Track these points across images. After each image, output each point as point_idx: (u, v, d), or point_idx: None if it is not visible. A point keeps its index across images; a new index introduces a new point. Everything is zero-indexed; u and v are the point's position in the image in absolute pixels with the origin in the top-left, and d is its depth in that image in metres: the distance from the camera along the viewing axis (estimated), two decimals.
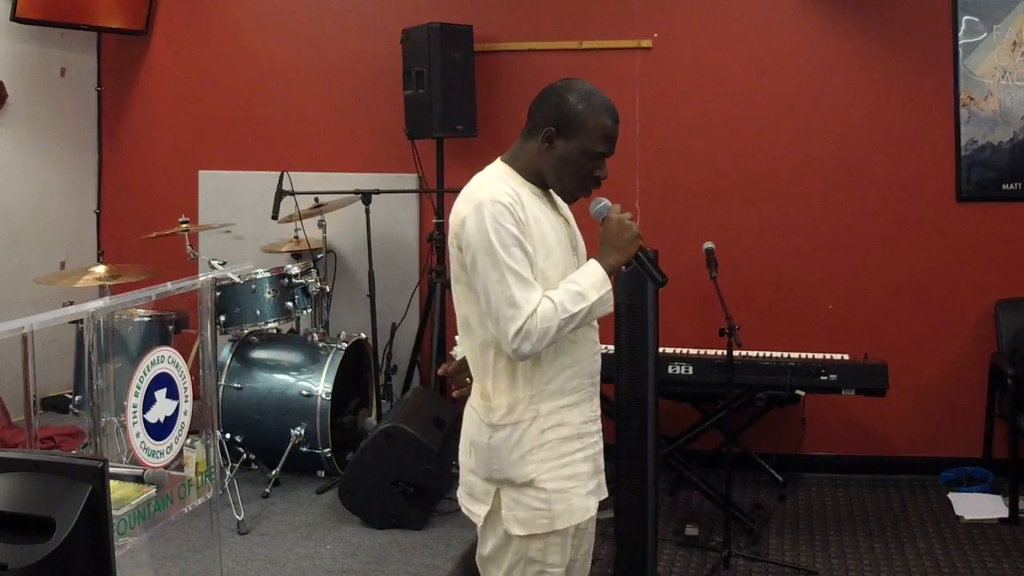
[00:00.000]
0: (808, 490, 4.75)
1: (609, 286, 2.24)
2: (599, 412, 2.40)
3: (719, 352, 4.10)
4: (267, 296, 4.44)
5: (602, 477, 2.40)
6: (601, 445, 2.40)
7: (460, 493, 2.40)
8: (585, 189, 2.32)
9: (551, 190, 2.34)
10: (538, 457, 2.25)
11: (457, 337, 2.56)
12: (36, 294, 4.36)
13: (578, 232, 2.41)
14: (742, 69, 4.90)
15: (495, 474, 2.27)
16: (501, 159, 2.35)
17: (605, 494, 2.42)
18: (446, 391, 4.86)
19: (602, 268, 2.24)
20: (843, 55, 4.83)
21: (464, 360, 2.43)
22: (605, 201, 2.34)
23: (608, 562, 3.75)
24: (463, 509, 2.39)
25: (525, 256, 2.17)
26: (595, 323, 2.33)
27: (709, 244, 4.23)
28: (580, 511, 2.29)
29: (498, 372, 2.27)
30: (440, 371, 2.55)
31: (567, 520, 2.26)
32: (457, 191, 2.18)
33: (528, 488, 2.25)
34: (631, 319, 3.31)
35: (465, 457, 2.37)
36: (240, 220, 5.13)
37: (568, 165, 2.27)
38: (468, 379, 2.43)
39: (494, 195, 2.19)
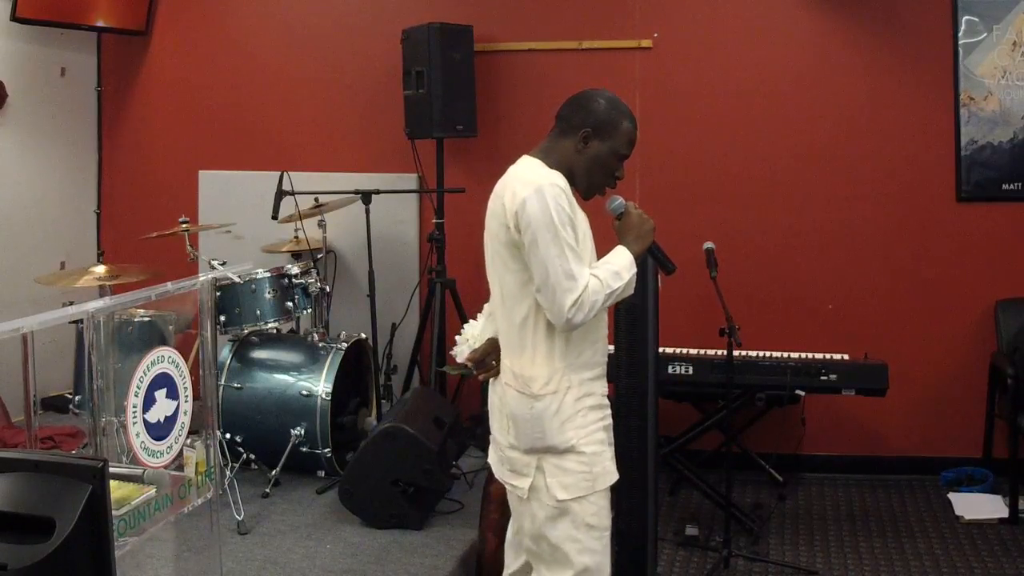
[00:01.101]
0: (808, 490, 4.75)
1: (635, 270, 2.50)
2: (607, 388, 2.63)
3: (719, 352, 4.10)
4: (267, 296, 4.44)
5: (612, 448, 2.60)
6: (611, 419, 2.61)
7: (501, 472, 2.60)
8: (606, 187, 2.60)
9: (572, 186, 2.54)
10: (575, 424, 2.47)
11: (457, 337, 2.60)
12: (36, 294, 4.36)
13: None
14: (742, 69, 4.90)
15: (537, 443, 2.47)
16: (532, 156, 2.57)
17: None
18: (446, 391, 4.87)
19: (630, 254, 2.51)
20: (843, 55, 4.83)
21: (489, 344, 2.66)
22: (620, 198, 2.60)
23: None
24: (507, 486, 2.58)
25: (576, 236, 2.43)
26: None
27: (709, 244, 4.23)
28: (611, 474, 2.53)
29: (536, 346, 2.48)
30: (468, 358, 2.68)
31: (605, 481, 2.50)
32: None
33: (569, 453, 2.46)
34: (631, 319, 3.31)
35: (502, 435, 2.57)
36: (240, 220, 5.13)
37: (599, 165, 2.55)
38: (494, 362, 2.62)
39: (552, 179, 2.44)
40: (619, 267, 2.46)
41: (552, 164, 2.52)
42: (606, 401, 2.58)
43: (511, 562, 2.76)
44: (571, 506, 2.47)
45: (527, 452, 2.49)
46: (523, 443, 2.49)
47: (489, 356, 2.65)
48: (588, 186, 2.57)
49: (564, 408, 2.46)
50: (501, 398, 2.57)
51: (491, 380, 2.66)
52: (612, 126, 2.53)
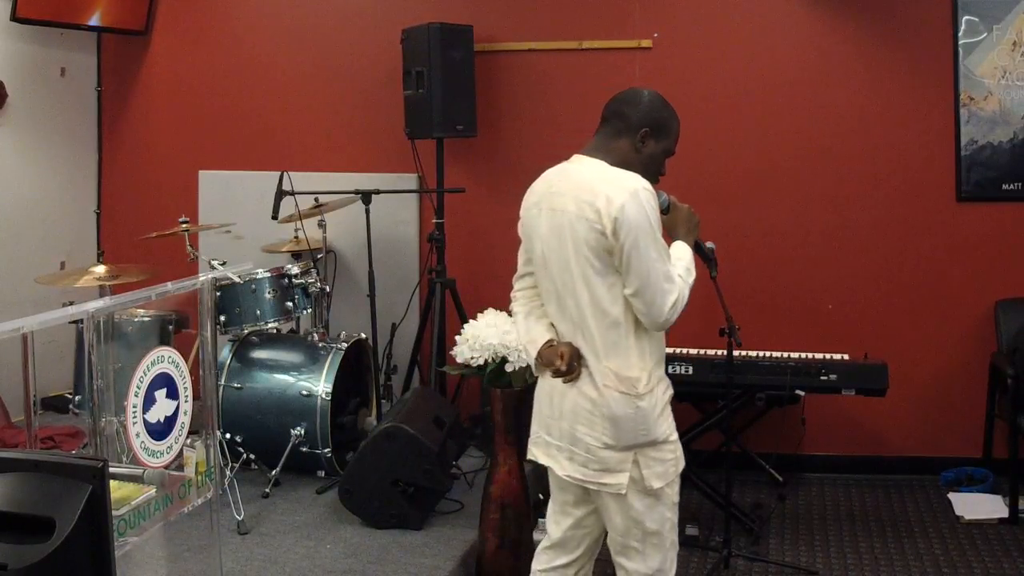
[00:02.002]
0: (808, 490, 4.76)
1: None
2: None
3: (719, 352, 4.10)
4: (267, 296, 4.44)
5: None
6: None
7: (587, 472, 2.58)
8: (655, 183, 2.61)
9: None
10: (665, 415, 2.60)
11: (458, 337, 2.60)
12: (36, 294, 4.36)
13: None
14: (742, 69, 4.90)
15: (641, 438, 2.55)
16: (588, 155, 2.61)
17: None
18: (446, 391, 4.87)
19: (688, 246, 2.66)
20: (843, 55, 4.83)
21: (573, 348, 2.59)
22: (664, 193, 2.66)
23: (609, 561, 3.74)
24: (593, 485, 2.59)
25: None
26: None
27: (709, 244, 4.22)
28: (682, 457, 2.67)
29: (628, 348, 2.54)
30: (561, 364, 2.58)
31: (682, 462, 2.64)
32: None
33: (664, 444, 2.58)
34: None
35: (593, 437, 2.56)
36: (240, 220, 5.13)
37: (653, 163, 2.63)
38: (578, 365, 2.59)
39: (642, 183, 2.50)
40: (688, 261, 2.60)
41: (614, 164, 2.57)
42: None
43: (558, 557, 2.79)
44: (664, 491, 2.58)
45: (624, 449, 2.55)
46: (623, 441, 2.54)
47: (576, 359, 2.59)
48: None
49: (659, 403, 2.57)
50: (594, 401, 2.55)
51: (556, 383, 2.63)
52: (667, 125, 2.63)
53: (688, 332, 4.45)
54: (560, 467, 2.66)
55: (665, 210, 2.66)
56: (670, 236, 2.67)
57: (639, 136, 2.59)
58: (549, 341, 2.65)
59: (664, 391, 2.61)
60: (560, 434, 2.64)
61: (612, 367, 2.54)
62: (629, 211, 2.43)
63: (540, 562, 2.84)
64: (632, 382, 2.53)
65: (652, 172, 2.62)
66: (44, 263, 5.16)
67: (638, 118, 2.60)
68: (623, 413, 2.53)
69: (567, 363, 2.56)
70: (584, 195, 2.50)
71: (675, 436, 2.62)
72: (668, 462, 2.58)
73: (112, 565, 1.71)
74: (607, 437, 2.55)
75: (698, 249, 2.76)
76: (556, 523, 2.79)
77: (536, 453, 2.75)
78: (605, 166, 2.57)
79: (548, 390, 2.68)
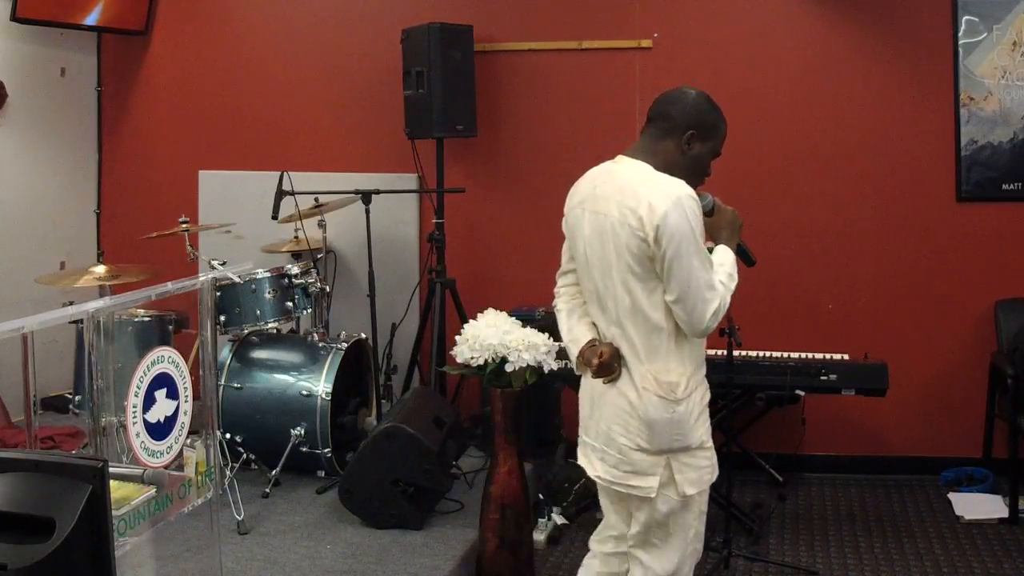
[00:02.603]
0: (808, 490, 4.76)
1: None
2: None
3: (719, 352, 4.09)
4: (267, 296, 4.44)
5: None
6: None
7: (616, 474, 2.60)
8: (701, 184, 2.64)
9: None
10: (702, 420, 2.59)
11: (458, 337, 2.60)
12: (36, 294, 4.36)
13: None
14: (742, 69, 4.90)
15: (676, 443, 2.54)
16: (632, 157, 2.60)
17: None
18: (446, 391, 4.87)
19: (731, 250, 2.65)
20: (843, 55, 4.84)
21: (613, 348, 2.60)
22: (709, 194, 2.66)
23: None
24: (621, 487, 2.61)
25: None
26: None
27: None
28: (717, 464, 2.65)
29: (668, 353, 2.55)
30: (602, 360, 2.60)
31: (716, 470, 2.64)
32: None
33: (699, 450, 2.58)
34: None
35: (627, 439, 2.57)
36: (240, 220, 5.13)
37: (699, 164, 2.61)
38: (617, 365, 2.60)
39: (686, 190, 2.48)
40: (731, 267, 2.60)
41: (659, 166, 2.56)
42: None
43: (621, 544, 2.79)
44: (694, 498, 2.59)
45: (658, 453, 2.55)
46: (656, 445, 2.54)
47: (615, 359, 2.61)
48: (689, 182, 2.59)
49: (696, 408, 2.57)
50: (632, 403, 2.56)
51: (596, 384, 2.65)
52: (713, 127, 2.60)
53: None
54: (592, 468, 2.69)
55: (709, 212, 2.64)
56: (713, 239, 2.66)
57: (685, 138, 2.57)
58: (591, 341, 2.66)
59: (702, 396, 2.61)
60: (596, 434, 2.66)
61: (652, 371, 2.55)
62: (672, 219, 2.42)
63: (606, 546, 2.85)
64: (671, 387, 2.54)
65: (697, 173, 2.62)
66: (44, 263, 5.16)
67: (684, 119, 2.57)
68: (659, 417, 2.53)
69: (607, 362, 2.57)
70: (628, 200, 2.49)
71: (710, 443, 2.61)
72: (703, 469, 2.59)
73: (112, 565, 1.71)
74: (642, 440, 2.55)
75: (739, 251, 2.73)
76: (614, 513, 2.81)
77: (578, 454, 2.79)
78: (649, 170, 2.55)
79: (589, 390, 2.71)
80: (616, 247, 2.52)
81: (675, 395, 2.54)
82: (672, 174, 2.55)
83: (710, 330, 2.51)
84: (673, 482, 2.55)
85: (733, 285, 2.56)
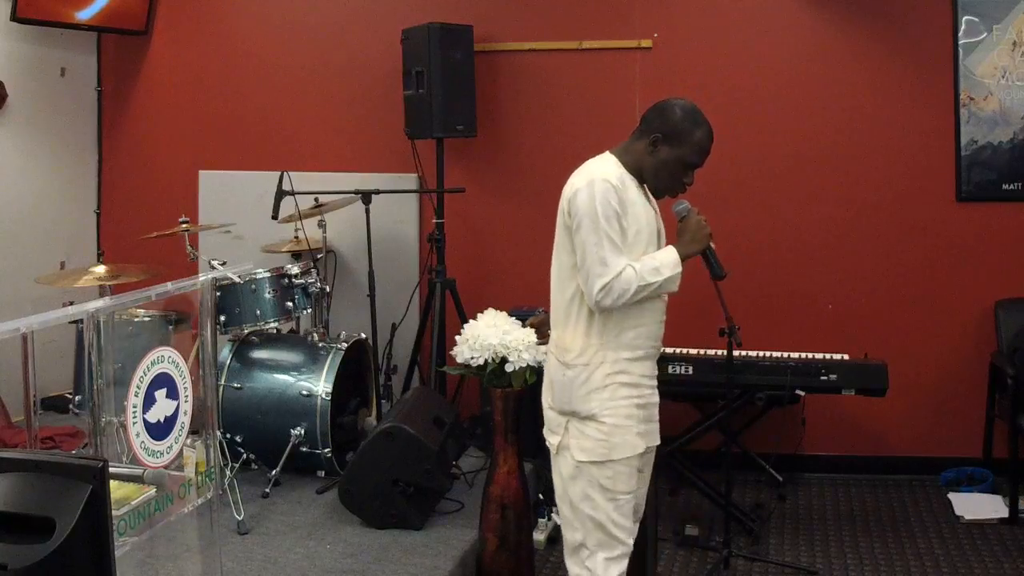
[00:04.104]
0: (808, 490, 4.76)
1: (680, 269, 2.73)
2: (655, 370, 2.87)
3: (719, 352, 4.10)
4: (267, 296, 4.44)
5: (655, 426, 2.87)
6: (656, 399, 2.86)
7: (544, 432, 2.88)
8: (674, 191, 2.81)
9: (646, 185, 2.80)
10: (602, 396, 2.72)
11: (457, 337, 2.66)
12: (36, 294, 4.35)
13: (662, 222, 2.87)
14: (742, 69, 4.90)
15: (565, 406, 2.77)
16: (611, 152, 2.80)
17: (657, 440, 2.89)
18: (446, 391, 4.87)
19: (678, 254, 2.73)
20: (843, 55, 4.84)
21: (547, 316, 2.94)
22: (686, 203, 2.84)
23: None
24: (547, 443, 2.86)
25: (621, 229, 2.66)
26: (664, 296, 2.81)
27: (709, 244, 4.23)
28: (631, 446, 2.75)
29: (578, 321, 2.75)
30: (528, 322, 3.22)
31: (622, 452, 2.73)
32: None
33: (591, 421, 2.73)
34: None
35: (546, 395, 2.87)
36: (240, 220, 5.13)
37: (665, 170, 2.75)
38: (548, 331, 2.91)
39: (605, 175, 2.68)
40: (661, 263, 2.70)
41: (626, 161, 2.76)
42: (648, 382, 2.81)
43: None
44: (588, 468, 2.74)
45: (559, 413, 2.79)
46: (557, 404, 2.79)
47: (545, 325, 2.97)
48: (655, 188, 2.80)
49: (593, 380, 2.72)
50: (548, 362, 2.87)
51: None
52: (683, 135, 2.71)
53: (688, 332, 4.46)
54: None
55: (681, 219, 2.84)
56: (676, 242, 2.81)
57: (650, 140, 2.73)
58: (545, 311, 2.99)
59: (609, 373, 2.72)
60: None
61: (557, 334, 2.82)
62: (581, 197, 2.66)
63: None
64: (564, 350, 2.77)
65: (666, 178, 2.76)
66: (44, 263, 5.16)
67: (656, 123, 2.74)
68: (555, 377, 2.80)
69: (534, 325, 3.09)
70: (570, 180, 2.77)
71: (612, 420, 2.72)
72: (595, 440, 2.72)
73: (112, 565, 1.71)
74: (549, 397, 2.84)
75: (708, 261, 2.87)
76: None
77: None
78: (606, 160, 2.76)
79: None
80: (557, 222, 2.79)
81: (565, 359, 2.75)
82: (643, 175, 2.77)
83: (603, 305, 2.66)
84: (569, 446, 2.76)
85: (653, 279, 2.67)
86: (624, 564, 2.80)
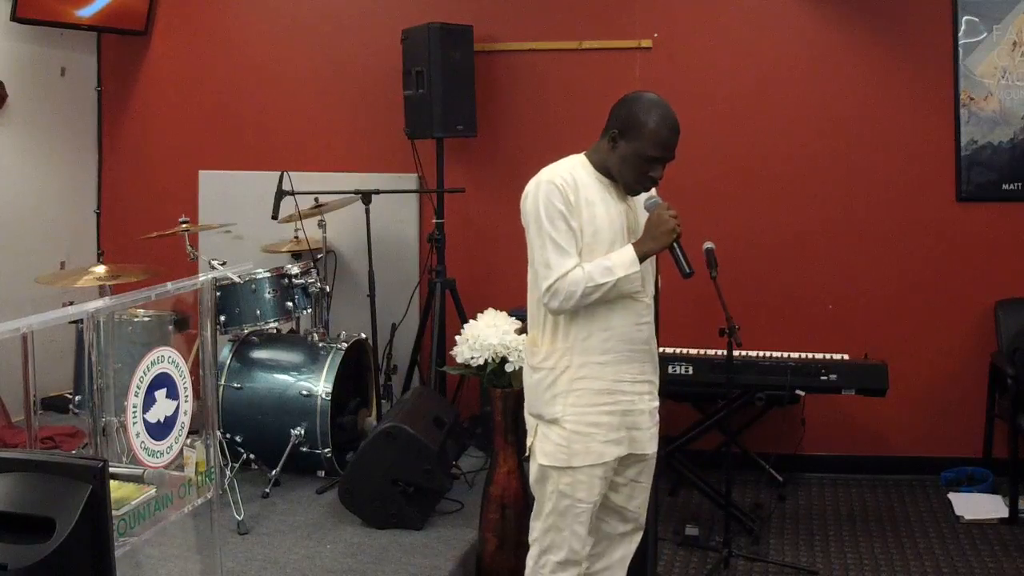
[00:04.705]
0: (808, 490, 4.76)
1: (637, 268, 2.64)
2: (647, 376, 2.78)
3: (719, 352, 4.10)
4: (267, 296, 4.44)
5: (640, 433, 2.77)
6: (647, 404, 2.77)
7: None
8: (641, 185, 2.72)
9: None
10: (567, 401, 2.68)
11: (457, 337, 2.70)
12: (36, 294, 4.35)
13: (641, 220, 2.77)
14: (742, 69, 4.90)
15: (532, 409, 2.76)
16: (585, 152, 2.77)
17: (646, 449, 2.79)
18: (446, 391, 4.87)
19: (635, 251, 2.64)
20: (843, 55, 4.83)
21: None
22: (656, 198, 2.75)
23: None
24: None
25: (569, 230, 2.62)
26: (643, 298, 2.74)
27: (709, 244, 4.22)
28: (595, 454, 2.68)
29: (545, 324, 2.73)
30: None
31: (583, 460, 2.67)
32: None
33: (554, 425, 2.69)
34: None
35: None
36: (240, 220, 5.13)
37: (627, 164, 2.68)
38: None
39: (550, 177, 2.66)
40: (614, 263, 2.62)
41: (594, 160, 2.73)
42: (629, 388, 2.73)
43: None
44: (549, 471, 2.72)
45: (529, 414, 2.79)
46: (527, 405, 2.79)
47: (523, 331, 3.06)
48: (623, 183, 2.73)
49: (558, 384, 2.69)
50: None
51: None
52: (638, 128, 2.64)
53: (688, 332, 4.47)
54: None
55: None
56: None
57: (610, 136, 2.69)
58: None
59: (576, 378, 2.67)
60: None
61: (529, 335, 2.81)
62: (528, 200, 2.68)
63: None
64: (532, 352, 2.76)
65: (629, 173, 2.69)
66: (44, 263, 5.16)
67: (614, 119, 2.70)
68: (525, 379, 2.80)
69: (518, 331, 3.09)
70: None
71: (574, 427, 2.68)
72: (556, 445, 2.69)
73: (112, 565, 1.71)
74: (524, 399, 2.83)
75: (673, 255, 2.73)
76: None
77: None
78: (567, 160, 2.74)
79: None
80: None
81: (533, 361, 2.74)
82: (609, 171, 2.72)
83: (551, 308, 2.63)
84: (535, 448, 2.75)
85: (604, 279, 2.60)
86: (574, 572, 2.76)
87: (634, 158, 2.66)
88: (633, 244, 2.67)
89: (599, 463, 2.69)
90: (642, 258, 2.65)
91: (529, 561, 2.82)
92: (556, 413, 2.69)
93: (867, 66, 4.81)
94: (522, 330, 3.15)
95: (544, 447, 2.72)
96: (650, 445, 2.81)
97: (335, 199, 4.80)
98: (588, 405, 2.68)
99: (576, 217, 2.63)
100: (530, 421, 2.79)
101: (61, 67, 5.43)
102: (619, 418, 2.71)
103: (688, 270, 2.71)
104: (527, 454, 2.80)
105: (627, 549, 2.93)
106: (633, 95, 2.72)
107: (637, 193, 2.75)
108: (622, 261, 2.63)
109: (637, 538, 2.93)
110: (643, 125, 2.63)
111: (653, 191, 2.78)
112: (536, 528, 2.80)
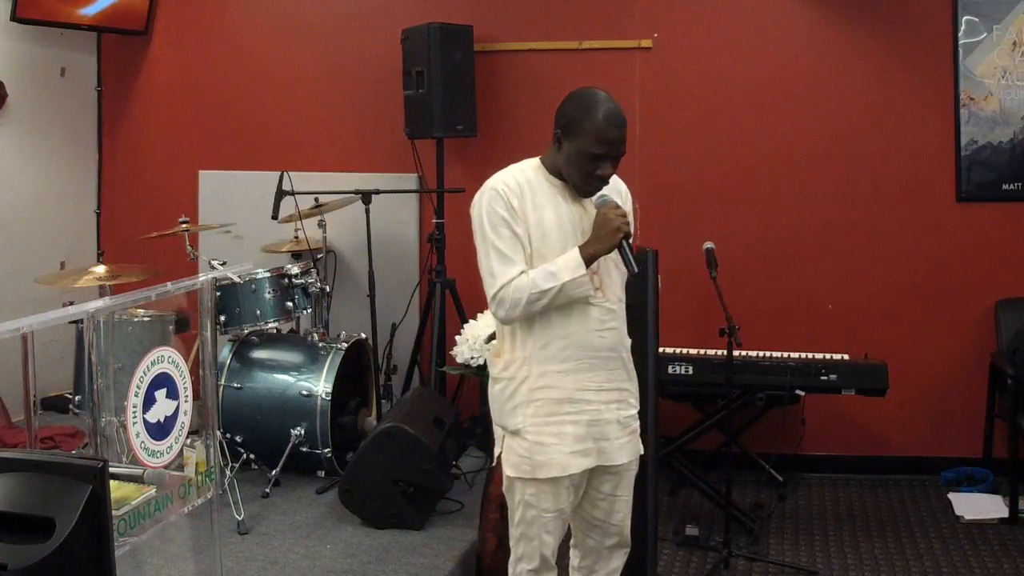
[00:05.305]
0: (808, 490, 4.75)
1: (583, 271, 2.50)
2: (615, 383, 2.65)
3: (719, 352, 4.09)
4: (267, 296, 4.44)
5: (612, 443, 2.64)
6: (611, 415, 2.64)
7: None
8: (590, 185, 2.58)
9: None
10: (528, 412, 2.60)
11: (457, 337, 2.70)
12: (36, 294, 4.36)
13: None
14: (742, 69, 4.90)
15: (496, 419, 2.69)
16: (543, 155, 2.68)
17: (616, 460, 2.66)
18: (446, 391, 4.87)
19: (579, 255, 2.52)
20: (843, 55, 4.83)
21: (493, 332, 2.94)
22: (605, 197, 2.60)
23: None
24: None
25: (514, 236, 2.55)
26: (602, 303, 2.61)
27: (709, 244, 4.23)
28: (559, 466, 2.58)
29: (505, 334, 2.66)
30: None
31: (546, 472, 2.58)
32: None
33: (516, 436, 2.62)
34: (631, 319, 3.30)
35: None
36: (240, 220, 5.13)
37: (571, 164, 2.57)
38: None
39: (494, 183, 2.60)
40: (559, 268, 2.51)
41: (548, 163, 2.65)
42: (594, 397, 2.61)
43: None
44: (515, 482, 2.65)
45: (496, 424, 2.71)
46: (492, 416, 2.72)
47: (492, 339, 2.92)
48: (574, 185, 2.61)
49: (517, 395, 2.61)
50: None
51: None
52: (577, 125, 2.53)
53: (688, 332, 4.47)
54: None
55: None
56: None
57: (554, 137, 2.60)
58: None
59: (535, 388, 2.58)
60: None
61: (496, 346, 2.74)
62: (473, 208, 2.64)
63: None
64: (493, 360, 2.70)
65: (576, 173, 2.57)
66: (44, 263, 5.16)
67: (558, 117, 2.60)
68: (490, 388, 2.72)
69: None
70: None
71: (536, 438, 2.58)
72: (519, 456, 2.61)
73: (112, 565, 1.71)
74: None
75: (620, 251, 2.55)
76: None
77: None
78: (522, 164, 2.67)
79: None
80: None
81: (493, 371, 2.68)
82: (560, 171, 2.61)
83: (499, 316, 2.57)
84: (503, 459, 2.68)
85: (548, 284, 2.49)
86: None
87: (578, 157, 2.54)
88: (579, 247, 2.54)
89: (564, 475, 2.59)
90: (588, 261, 2.51)
91: (509, 567, 2.75)
92: (517, 424, 2.60)
93: (867, 66, 4.81)
94: (492, 337, 3.07)
95: (509, 458, 2.64)
96: (620, 455, 2.67)
97: (335, 199, 4.80)
98: (549, 415, 2.58)
99: (521, 222, 2.55)
100: (497, 431, 2.71)
101: (61, 67, 5.43)
102: (584, 428, 2.60)
103: (635, 270, 2.56)
104: (494, 463, 2.76)
105: (619, 561, 2.85)
106: (575, 92, 2.60)
107: (589, 194, 2.60)
108: (567, 265, 2.51)
109: (623, 553, 2.83)
110: (583, 122, 2.51)
111: (605, 190, 2.62)
112: (512, 535, 2.73)
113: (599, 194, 2.60)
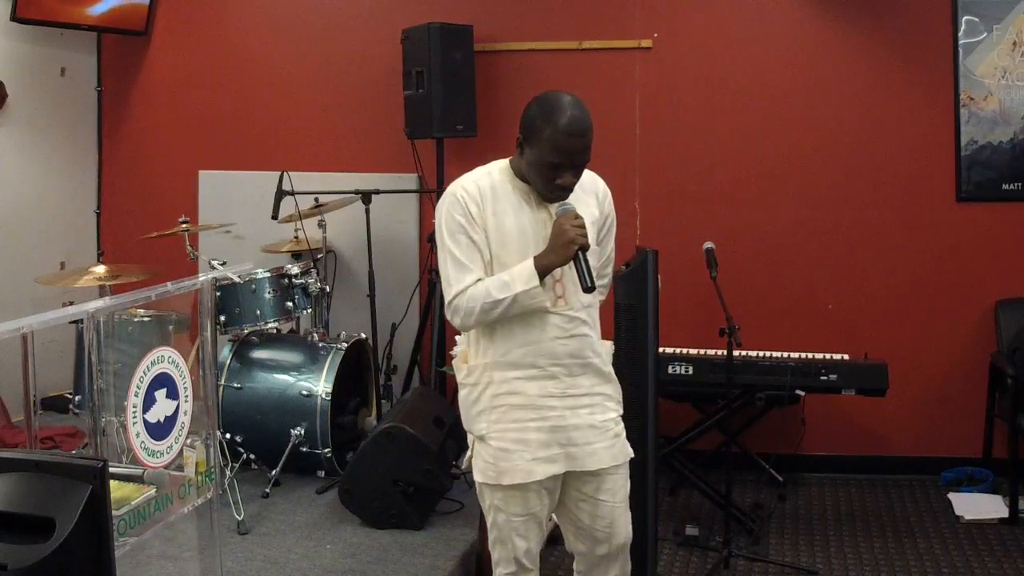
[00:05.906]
0: (808, 490, 4.75)
1: (536, 282, 2.44)
2: (583, 389, 2.59)
3: (719, 352, 4.09)
4: (267, 296, 4.45)
5: (584, 449, 2.58)
6: (578, 420, 2.58)
7: None
8: (552, 193, 2.51)
9: None
10: (490, 418, 2.59)
11: (458, 337, 2.69)
12: (36, 294, 4.36)
13: None
14: (742, 69, 4.90)
15: (464, 424, 2.68)
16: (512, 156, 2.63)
17: (592, 466, 2.59)
18: (446, 391, 4.87)
19: (533, 265, 2.46)
20: (843, 55, 4.83)
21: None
22: (568, 206, 2.51)
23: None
24: None
25: (471, 243, 2.52)
26: (564, 311, 2.55)
27: (709, 244, 4.23)
28: (522, 472, 2.55)
29: (471, 340, 2.65)
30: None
31: (511, 478, 2.56)
32: None
33: (481, 442, 2.62)
34: (631, 319, 3.30)
35: None
36: (240, 220, 5.13)
37: (532, 171, 2.51)
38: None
39: (453, 188, 2.59)
40: (512, 277, 2.46)
41: (516, 167, 2.60)
42: (551, 403, 2.55)
43: None
44: (483, 488, 2.65)
45: (465, 429, 2.69)
46: (462, 421, 2.71)
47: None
48: (538, 191, 2.54)
49: (482, 400, 2.60)
50: None
51: None
52: (537, 132, 2.46)
53: (688, 332, 4.47)
54: None
55: None
56: None
57: (517, 143, 2.55)
58: None
59: (497, 394, 2.56)
60: None
61: (461, 351, 2.71)
62: (436, 211, 2.61)
63: None
64: (459, 366, 2.67)
65: (536, 181, 2.50)
66: (44, 263, 5.16)
67: (521, 121, 2.54)
68: (459, 394, 2.69)
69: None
70: None
71: (500, 444, 2.56)
72: (485, 462, 2.60)
73: (112, 565, 1.71)
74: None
75: (576, 264, 2.45)
76: None
77: None
78: (488, 167, 2.65)
79: None
80: None
81: (459, 377, 2.67)
82: (526, 177, 2.55)
83: (456, 324, 2.54)
84: (472, 463, 2.67)
85: (502, 295, 2.45)
86: None
87: (538, 165, 2.46)
88: (535, 257, 2.46)
89: (529, 481, 2.55)
90: (543, 272, 2.44)
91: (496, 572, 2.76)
92: (481, 429, 2.59)
93: (867, 66, 4.81)
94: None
95: (477, 463, 2.63)
96: (593, 461, 2.59)
97: (335, 199, 4.81)
98: (512, 422, 2.56)
99: (480, 229, 2.51)
100: (469, 436, 2.69)
101: (61, 67, 5.43)
102: (548, 435, 2.55)
103: (587, 285, 2.44)
104: (466, 468, 2.74)
105: (619, 570, 2.76)
106: (540, 96, 2.52)
107: (553, 201, 2.53)
108: (521, 275, 2.45)
109: (622, 561, 2.75)
110: (543, 129, 2.43)
111: (580, 191, 2.55)
112: (488, 540, 2.74)
113: (562, 203, 2.51)
